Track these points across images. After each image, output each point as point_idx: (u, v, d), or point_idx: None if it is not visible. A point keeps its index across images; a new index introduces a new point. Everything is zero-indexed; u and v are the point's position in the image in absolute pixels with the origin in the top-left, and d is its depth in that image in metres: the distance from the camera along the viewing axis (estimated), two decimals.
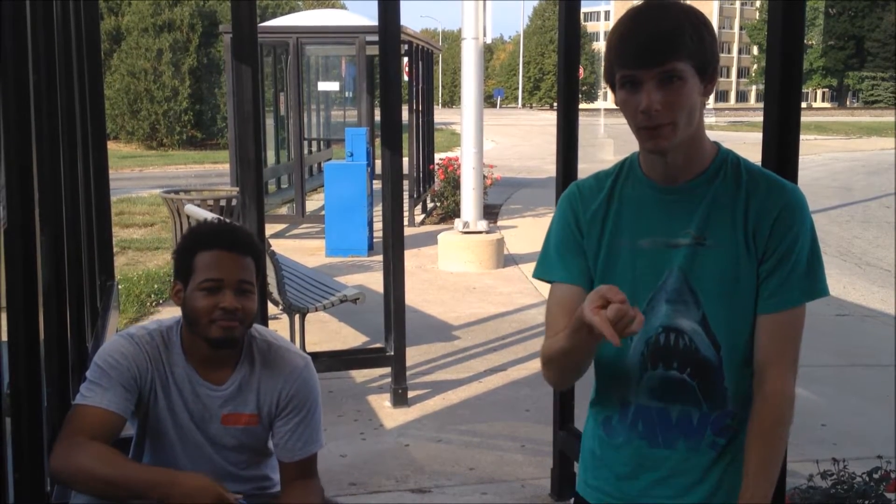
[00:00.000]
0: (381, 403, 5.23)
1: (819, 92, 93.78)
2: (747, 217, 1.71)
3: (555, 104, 10.05)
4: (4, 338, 1.96)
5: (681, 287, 1.72)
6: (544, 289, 1.87)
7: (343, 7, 50.12)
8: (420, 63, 13.51)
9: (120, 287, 6.88)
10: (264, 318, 4.60)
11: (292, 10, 29.98)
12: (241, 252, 2.22)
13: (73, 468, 2.09)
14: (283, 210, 13.14)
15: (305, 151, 13.10)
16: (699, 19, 1.65)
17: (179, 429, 2.28)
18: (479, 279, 8.86)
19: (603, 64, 1.74)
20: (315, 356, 2.54)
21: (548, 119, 50.01)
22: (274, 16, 23.24)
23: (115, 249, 6.04)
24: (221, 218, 2.78)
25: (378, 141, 10.49)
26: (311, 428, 2.33)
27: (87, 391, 2.19)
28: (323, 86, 17.26)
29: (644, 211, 1.76)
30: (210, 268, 2.18)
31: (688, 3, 1.74)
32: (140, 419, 2.30)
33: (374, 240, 9.75)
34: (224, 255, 2.20)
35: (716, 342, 1.72)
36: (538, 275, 1.87)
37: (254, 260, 2.25)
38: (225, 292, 2.17)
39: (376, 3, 5.06)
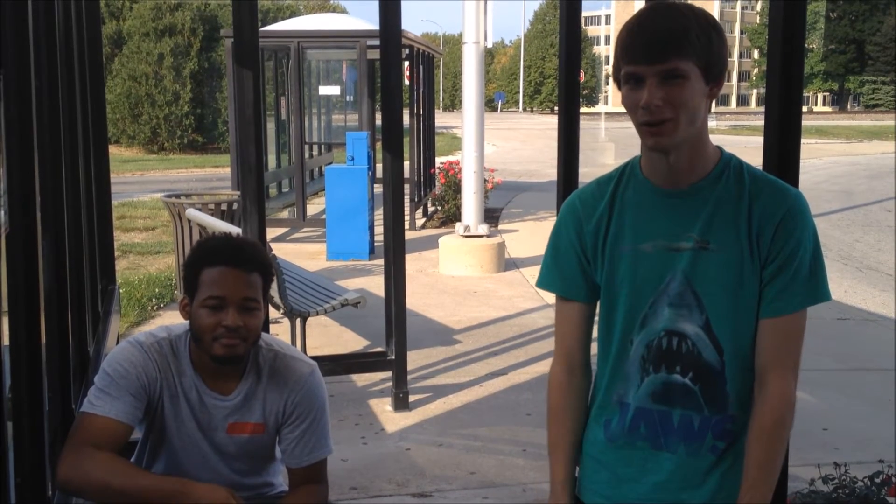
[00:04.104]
0: (383, 407, 5.23)
1: (820, 96, 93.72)
2: (751, 221, 1.70)
3: (555, 108, 10.05)
4: (6, 342, 1.96)
5: (684, 291, 1.72)
6: (545, 293, 1.89)
7: (344, 11, 50.18)
8: (421, 67, 13.51)
9: (121, 291, 6.88)
10: (266, 322, 4.60)
11: (293, 14, 30.03)
12: (247, 269, 2.19)
13: (84, 479, 2.10)
14: (284, 214, 13.15)
15: (306, 155, 13.10)
16: (708, 21, 1.65)
17: (185, 436, 2.28)
18: (480, 283, 8.86)
19: (612, 61, 1.75)
20: (316, 360, 2.53)
21: (549, 123, 49.96)
22: (275, 20, 23.28)
23: (116, 253, 6.04)
24: (231, 232, 2.77)
25: (379, 145, 10.51)
26: (318, 434, 2.34)
27: (96, 399, 2.18)
28: (324, 90, 17.23)
29: (646, 214, 1.76)
30: (213, 285, 2.17)
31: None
32: (147, 425, 2.30)
33: (375, 244, 9.74)
34: (228, 271, 2.18)
35: (719, 346, 1.72)
36: (540, 284, 1.91)
37: (261, 275, 2.22)
38: (228, 310, 2.16)
39: (377, 7, 5.07)
